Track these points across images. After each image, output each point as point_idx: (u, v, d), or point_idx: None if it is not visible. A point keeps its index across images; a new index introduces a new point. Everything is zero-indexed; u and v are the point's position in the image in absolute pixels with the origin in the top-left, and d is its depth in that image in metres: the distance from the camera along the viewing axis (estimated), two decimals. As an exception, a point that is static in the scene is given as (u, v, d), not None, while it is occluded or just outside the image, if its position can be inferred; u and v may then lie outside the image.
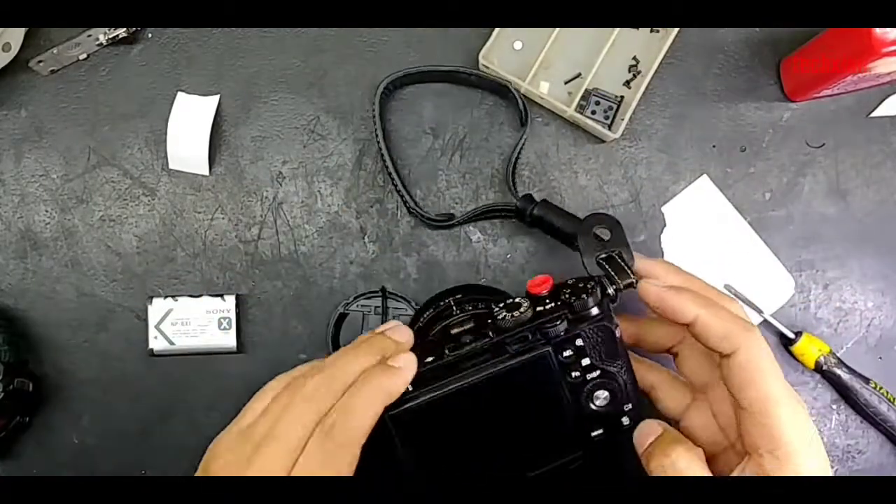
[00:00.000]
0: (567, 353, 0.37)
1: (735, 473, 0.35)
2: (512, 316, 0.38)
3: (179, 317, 0.52)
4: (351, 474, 0.34)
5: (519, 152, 0.52)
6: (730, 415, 0.38)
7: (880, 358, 0.53)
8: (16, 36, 0.51)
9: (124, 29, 0.52)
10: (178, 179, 0.54)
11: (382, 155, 0.51)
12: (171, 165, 0.53)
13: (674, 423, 0.41)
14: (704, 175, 0.53)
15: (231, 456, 0.35)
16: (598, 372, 0.38)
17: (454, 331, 0.41)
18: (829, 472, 0.36)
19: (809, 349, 0.51)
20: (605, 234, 0.44)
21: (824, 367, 0.51)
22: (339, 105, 0.54)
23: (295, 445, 0.34)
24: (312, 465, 0.34)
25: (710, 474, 0.35)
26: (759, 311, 0.52)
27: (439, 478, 0.38)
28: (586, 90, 0.52)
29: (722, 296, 0.39)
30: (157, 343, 0.52)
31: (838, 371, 0.51)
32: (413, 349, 0.39)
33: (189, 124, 0.52)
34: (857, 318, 0.54)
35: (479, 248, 0.53)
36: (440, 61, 0.53)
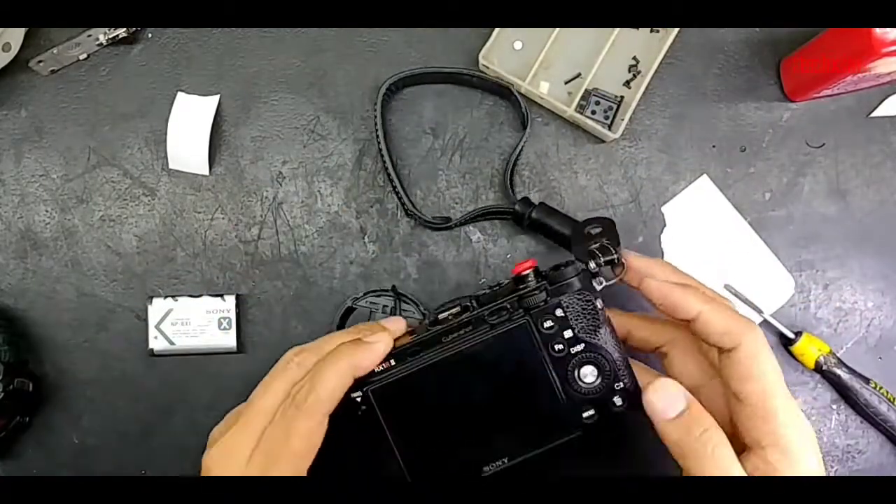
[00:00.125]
0: (548, 323, 0.37)
1: (737, 469, 0.35)
2: (492, 291, 0.39)
3: (179, 317, 0.52)
4: (315, 443, 0.36)
5: (518, 156, 0.52)
6: (722, 413, 0.38)
7: (880, 358, 0.53)
8: (16, 36, 0.51)
9: (124, 29, 0.52)
10: (178, 179, 0.54)
11: (382, 155, 0.51)
12: (171, 165, 0.53)
13: None
14: (704, 175, 0.53)
15: (224, 426, 0.39)
16: (582, 345, 0.37)
17: (441, 315, 0.41)
18: (824, 472, 0.36)
19: (809, 349, 0.51)
20: (597, 231, 0.44)
21: (824, 367, 0.51)
22: (339, 105, 0.54)
23: (266, 412, 0.37)
24: (277, 432, 0.36)
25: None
26: (759, 311, 0.52)
27: (423, 456, 0.38)
28: (586, 90, 0.52)
29: (719, 296, 0.40)
30: (157, 343, 0.52)
31: (838, 371, 0.51)
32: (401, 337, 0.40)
33: (189, 124, 0.52)
34: (857, 318, 0.54)
35: (479, 248, 0.53)
36: (440, 61, 0.53)
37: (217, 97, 0.53)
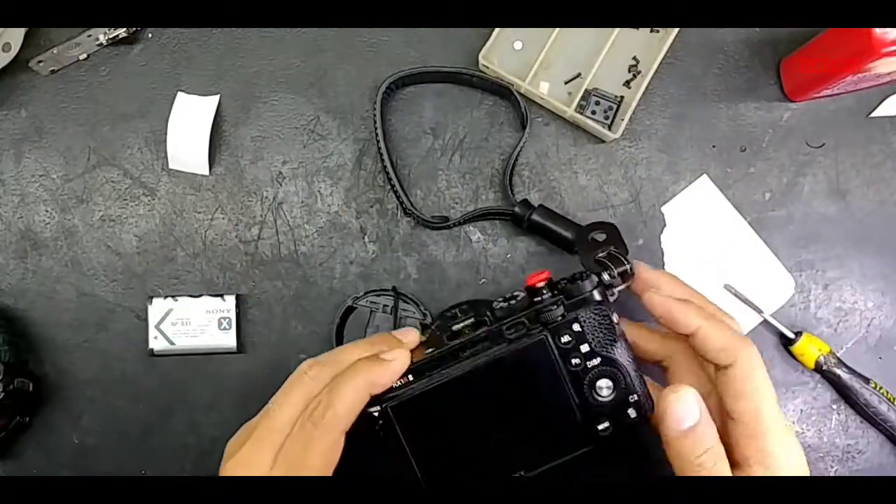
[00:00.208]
0: (565, 338, 0.37)
1: None
2: (509, 304, 0.38)
3: (179, 317, 0.52)
4: (333, 460, 0.36)
5: (518, 156, 0.52)
6: (719, 426, 0.38)
7: (880, 358, 0.53)
8: (16, 36, 0.51)
9: (124, 29, 0.52)
10: (178, 179, 0.54)
11: (382, 155, 0.51)
12: (171, 165, 0.53)
13: None
14: (704, 175, 0.53)
15: (240, 438, 0.38)
16: (598, 359, 0.37)
17: (456, 327, 0.41)
18: None
19: (809, 349, 0.51)
20: (602, 237, 0.45)
21: (824, 367, 0.51)
22: (339, 105, 0.54)
23: (283, 427, 0.37)
24: (295, 447, 0.36)
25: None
26: (759, 311, 0.52)
27: (443, 470, 0.38)
28: (586, 90, 0.52)
29: (721, 311, 0.40)
30: (157, 343, 0.52)
31: (838, 371, 0.51)
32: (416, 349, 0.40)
33: (189, 124, 0.52)
34: (857, 318, 0.54)
35: (479, 249, 0.53)
36: (440, 61, 0.53)
37: (217, 97, 0.53)
